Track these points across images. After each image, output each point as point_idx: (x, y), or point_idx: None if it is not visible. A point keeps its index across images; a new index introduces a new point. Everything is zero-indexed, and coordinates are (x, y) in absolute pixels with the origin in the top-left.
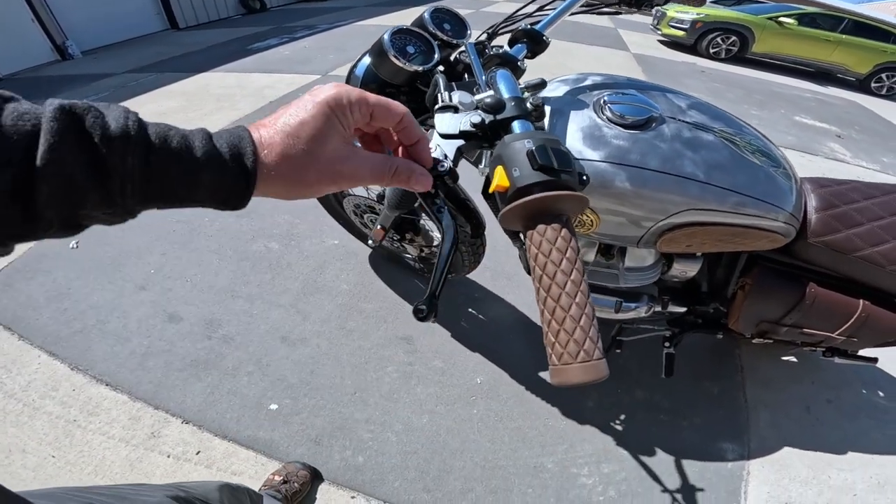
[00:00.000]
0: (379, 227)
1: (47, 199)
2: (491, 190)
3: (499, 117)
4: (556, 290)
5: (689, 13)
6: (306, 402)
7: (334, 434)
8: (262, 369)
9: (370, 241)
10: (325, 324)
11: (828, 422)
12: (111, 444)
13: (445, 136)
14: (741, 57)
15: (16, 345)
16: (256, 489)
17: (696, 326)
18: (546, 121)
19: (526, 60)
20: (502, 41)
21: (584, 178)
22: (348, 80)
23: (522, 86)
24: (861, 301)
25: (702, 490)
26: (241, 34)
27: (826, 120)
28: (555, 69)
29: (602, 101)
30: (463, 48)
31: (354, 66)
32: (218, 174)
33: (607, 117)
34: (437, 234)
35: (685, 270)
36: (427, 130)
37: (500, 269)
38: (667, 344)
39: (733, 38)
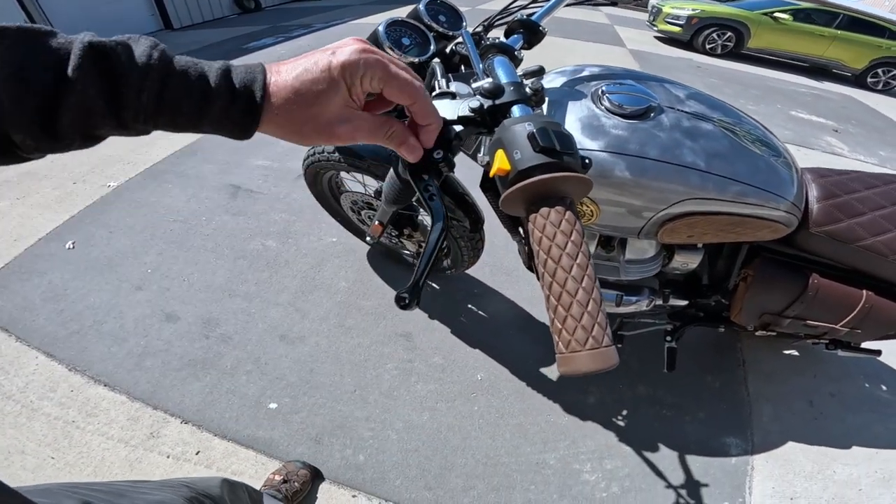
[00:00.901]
0: (377, 222)
1: (69, 124)
2: (492, 174)
3: (498, 102)
4: (562, 274)
5: (685, 9)
6: (306, 400)
7: (334, 432)
8: (261, 368)
9: (368, 238)
10: (324, 322)
11: (831, 415)
12: (110, 444)
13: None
14: (737, 52)
15: (13, 346)
16: (257, 489)
17: (697, 320)
18: (544, 111)
19: (523, 51)
20: (498, 33)
21: (587, 161)
22: None
23: (521, 73)
24: (864, 292)
25: (706, 485)
26: (237, 34)
27: (823, 115)
28: (551, 65)
29: (600, 92)
30: (459, 39)
31: None
32: (225, 108)
33: (606, 107)
34: None
35: (686, 262)
36: None
37: (499, 265)
38: (668, 338)
39: (729, 33)
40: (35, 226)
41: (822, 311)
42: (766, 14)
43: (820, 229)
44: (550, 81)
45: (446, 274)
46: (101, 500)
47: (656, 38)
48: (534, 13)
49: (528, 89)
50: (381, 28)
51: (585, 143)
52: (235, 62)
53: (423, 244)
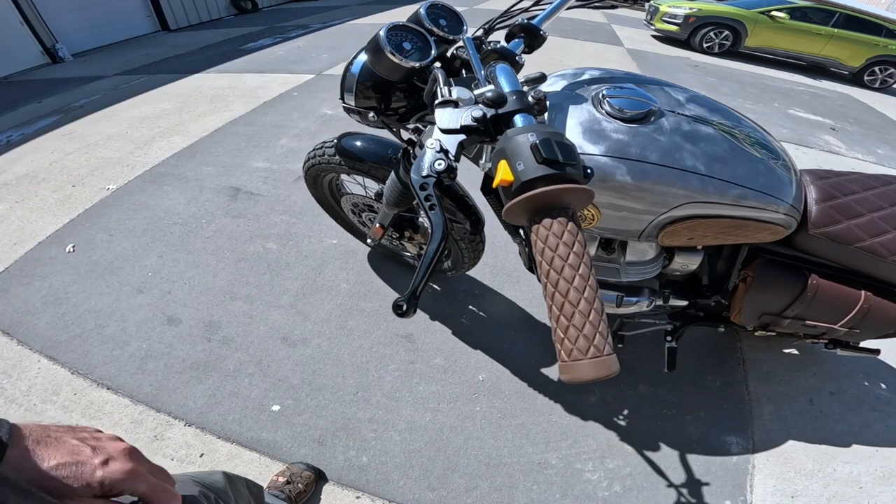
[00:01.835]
0: (377, 225)
1: None
2: (494, 185)
3: (501, 111)
4: (564, 284)
5: (682, 8)
6: (308, 402)
7: (337, 434)
8: (264, 370)
9: (369, 240)
10: (326, 323)
11: (831, 414)
12: None
13: (446, 132)
14: (734, 51)
15: (15, 350)
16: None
17: (697, 320)
18: (545, 115)
19: (524, 56)
20: (499, 37)
21: (589, 171)
22: (344, 79)
23: (523, 80)
24: (863, 292)
25: (707, 484)
26: (234, 35)
27: (820, 113)
28: (549, 66)
29: (601, 96)
30: (460, 43)
31: (350, 64)
32: None
33: (606, 111)
34: None
35: (686, 264)
36: (425, 126)
37: (500, 266)
38: (668, 338)
39: (726, 32)
40: (34, 229)
41: (821, 312)
42: (762, 13)
43: (819, 231)
44: (551, 85)
45: (447, 275)
46: None
47: (654, 37)
48: (535, 17)
49: (530, 98)
50: (382, 33)
51: (586, 147)
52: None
53: (423, 245)
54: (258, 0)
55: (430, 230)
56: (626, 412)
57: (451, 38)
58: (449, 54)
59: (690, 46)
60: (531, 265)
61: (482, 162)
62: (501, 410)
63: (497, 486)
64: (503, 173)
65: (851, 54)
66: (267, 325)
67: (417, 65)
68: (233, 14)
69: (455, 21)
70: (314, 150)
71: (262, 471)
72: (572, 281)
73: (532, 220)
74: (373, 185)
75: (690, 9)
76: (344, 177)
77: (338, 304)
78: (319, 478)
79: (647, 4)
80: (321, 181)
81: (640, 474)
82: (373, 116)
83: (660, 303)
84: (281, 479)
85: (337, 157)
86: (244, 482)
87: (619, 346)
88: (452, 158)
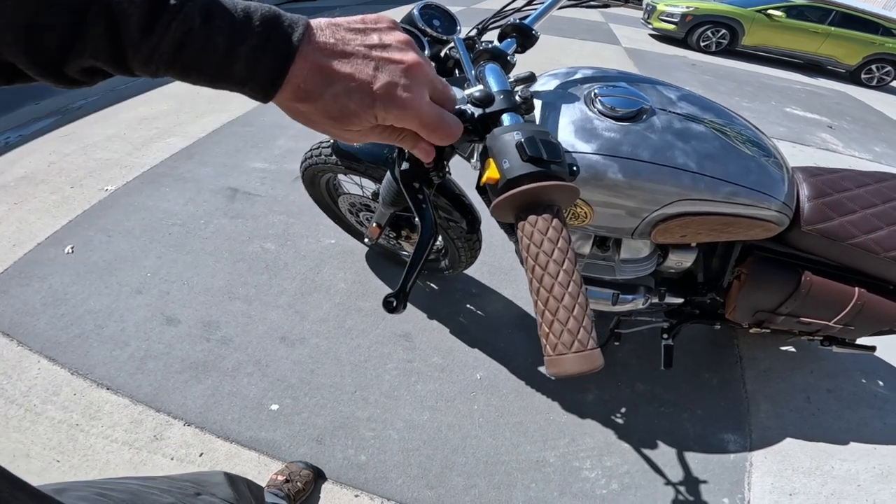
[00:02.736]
0: (374, 224)
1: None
2: (482, 182)
3: (488, 110)
4: (549, 280)
5: (680, 7)
6: (307, 401)
7: (336, 433)
8: (262, 370)
9: (366, 240)
10: (324, 323)
11: (828, 411)
12: (114, 447)
13: None
14: (731, 50)
15: (15, 350)
16: (262, 486)
17: (693, 317)
18: (538, 114)
19: (516, 55)
20: (492, 36)
21: (575, 168)
22: None
23: (512, 79)
24: (857, 289)
25: (705, 482)
26: None
27: (817, 111)
28: (547, 65)
29: (593, 94)
30: (453, 44)
31: None
32: (262, 41)
33: (598, 110)
34: None
35: (680, 261)
36: None
37: (497, 264)
38: (665, 335)
39: (723, 31)
40: (33, 231)
41: (815, 308)
42: (759, 11)
43: (811, 228)
44: (544, 84)
45: (444, 274)
46: (119, 501)
47: (651, 35)
48: (527, 16)
49: (517, 97)
50: None
51: (578, 145)
52: None
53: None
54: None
55: (420, 227)
56: (623, 410)
57: (444, 38)
58: (443, 54)
59: (688, 45)
60: None
61: (473, 161)
62: (499, 409)
63: (495, 484)
64: (490, 171)
65: (848, 52)
66: (265, 325)
67: None
68: None
69: (449, 21)
70: (311, 150)
71: (262, 470)
72: (556, 276)
73: (518, 216)
74: (369, 185)
75: (688, 7)
76: (341, 177)
77: (336, 303)
78: (318, 476)
79: (644, 3)
80: (318, 181)
81: (637, 472)
82: None
83: (656, 300)
84: (280, 478)
85: (333, 157)
86: (245, 482)
87: (616, 343)
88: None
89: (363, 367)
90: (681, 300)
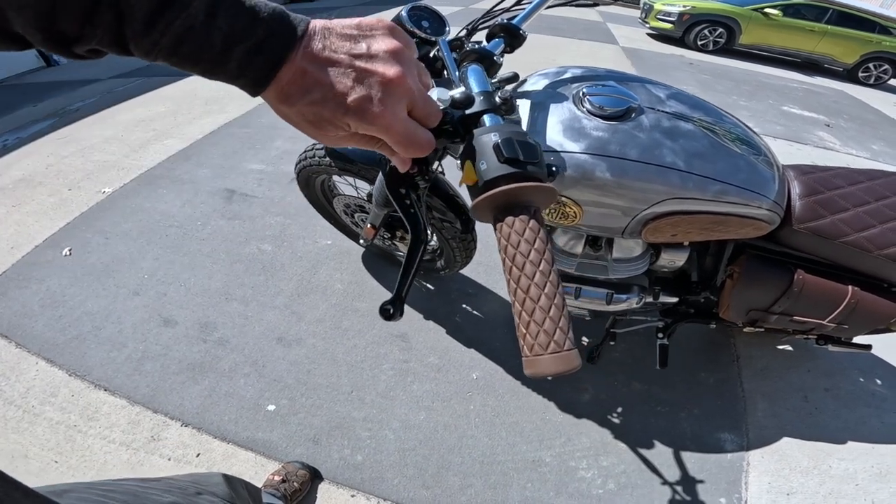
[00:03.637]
0: (369, 225)
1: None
2: (460, 184)
3: (468, 112)
4: (526, 281)
5: (676, 6)
6: (303, 402)
7: (332, 433)
8: (259, 371)
9: (362, 240)
10: (320, 324)
11: (826, 411)
12: (112, 448)
13: None
14: (729, 49)
15: (13, 352)
16: (259, 487)
17: (688, 316)
18: (526, 114)
19: (505, 55)
20: (482, 37)
21: (553, 169)
22: None
23: (497, 80)
24: (850, 287)
25: (702, 481)
26: None
27: (814, 109)
28: (544, 65)
29: (581, 94)
30: (439, 45)
31: None
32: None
33: (587, 109)
34: (427, 232)
35: (673, 260)
36: None
37: (493, 264)
38: (660, 335)
39: (720, 29)
40: (31, 233)
41: (808, 307)
42: (756, 10)
43: (803, 226)
44: (533, 83)
45: (441, 274)
46: (121, 502)
47: (649, 35)
48: (515, 16)
49: (497, 98)
50: None
51: (567, 144)
52: None
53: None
54: None
55: (410, 232)
56: (619, 410)
57: (433, 39)
58: (431, 56)
59: (685, 44)
60: None
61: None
62: (495, 409)
63: (491, 484)
64: (468, 173)
65: (845, 51)
66: (262, 326)
67: None
68: None
69: (438, 23)
70: (305, 152)
71: (258, 470)
72: (533, 277)
73: (497, 218)
74: (364, 186)
75: (684, 6)
76: (336, 178)
77: (332, 304)
78: (315, 476)
79: (641, 2)
80: (313, 183)
81: (634, 472)
82: None
83: (650, 300)
84: (277, 478)
85: (327, 158)
86: (243, 484)
87: (612, 343)
88: (427, 159)
89: (359, 367)
90: (675, 299)
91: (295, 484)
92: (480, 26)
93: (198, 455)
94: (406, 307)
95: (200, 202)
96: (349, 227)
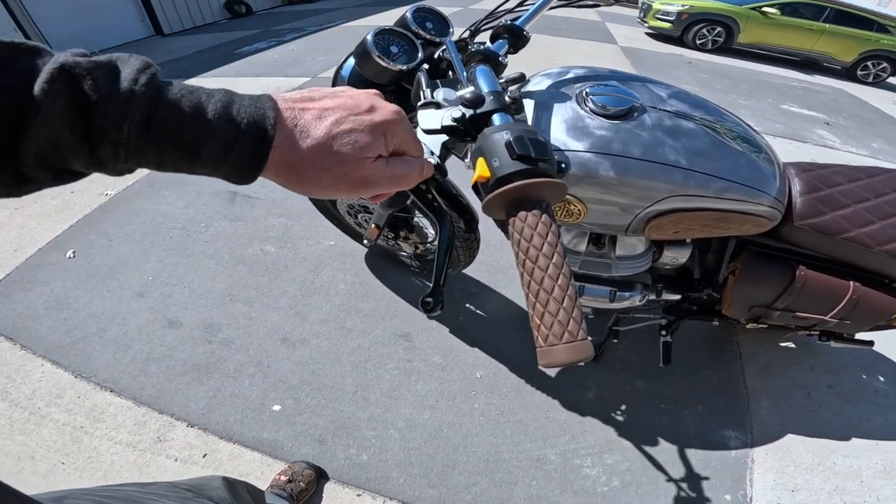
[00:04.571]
0: (373, 226)
1: (31, 156)
2: (473, 181)
3: (479, 111)
4: (539, 273)
5: (675, 5)
6: (308, 402)
7: (337, 433)
8: (264, 371)
9: (365, 241)
10: (324, 324)
11: (829, 407)
12: (118, 449)
13: (428, 132)
14: (727, 47)
15: (18, 354)
16: (257, 486)
17: (691, 314)
18: (530, 113)
19: (508, 56)
20: (485, 38)
21: (563, 165)
22: (334, 82)
23: (503, 80)
24: (852, 283)
25: (707, 478)
26: (228, 39)
27: (814, 108)
28: (544, 64)
29: (584, 93)
30: (445, 46)
31: (340, 67)
32: (225, 147)
33: (590, 108)
34: (430, 231)
35: (676, 257)
36: (414, 127)
37: (496, 264)
38: (663, 332)
39: (719, 28)
40: (35, 236)
41: (810, 303)
42: (754, 9)
43: (804, 222)
44: (537, 84)
45: (448, 269)
46: None
47: (647, 34)
48: (518, 17)
49: (507, 98)
50: (369, 37)
51: (571, 143)
52: (243, 83)
53: (418, 245)
54: (252, 4)
55: (436, 226)
56: (623, 407)
57: (437, 40)
58: (436, 56)
59: (684, 43)
60: None
61: (467, 161)
62: (499, 407)
63: (496, 482)
64: (480, 170)
65: (844, 49)
66: (266, 327)
67: (404, 68)
68: (227, 18)
69: (441, 24)
70: None
71: (264, 470)
72: (546, 269)
73: (509, 213)
74: None
75: (683, 6)
76: None
77: (336, 304)
78: (321, 476)
79: (640, 2)
80: None
81: (638, 469)
82: None
83: (653, 297)
84: (283, 478)
85: None
86: (244, 486)
87: (615, 341)
88: (437, 158)
89: (364, 367)
90: (678, 296)
91: (301, 484)
92: (483, 27)
93: (204, 455)
94: (408, 307)
95: (203, 204)
96: (352, 227)
